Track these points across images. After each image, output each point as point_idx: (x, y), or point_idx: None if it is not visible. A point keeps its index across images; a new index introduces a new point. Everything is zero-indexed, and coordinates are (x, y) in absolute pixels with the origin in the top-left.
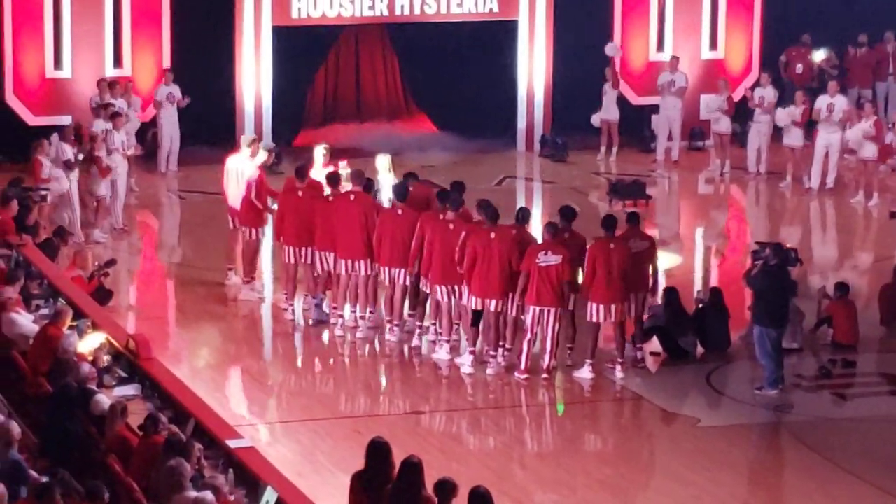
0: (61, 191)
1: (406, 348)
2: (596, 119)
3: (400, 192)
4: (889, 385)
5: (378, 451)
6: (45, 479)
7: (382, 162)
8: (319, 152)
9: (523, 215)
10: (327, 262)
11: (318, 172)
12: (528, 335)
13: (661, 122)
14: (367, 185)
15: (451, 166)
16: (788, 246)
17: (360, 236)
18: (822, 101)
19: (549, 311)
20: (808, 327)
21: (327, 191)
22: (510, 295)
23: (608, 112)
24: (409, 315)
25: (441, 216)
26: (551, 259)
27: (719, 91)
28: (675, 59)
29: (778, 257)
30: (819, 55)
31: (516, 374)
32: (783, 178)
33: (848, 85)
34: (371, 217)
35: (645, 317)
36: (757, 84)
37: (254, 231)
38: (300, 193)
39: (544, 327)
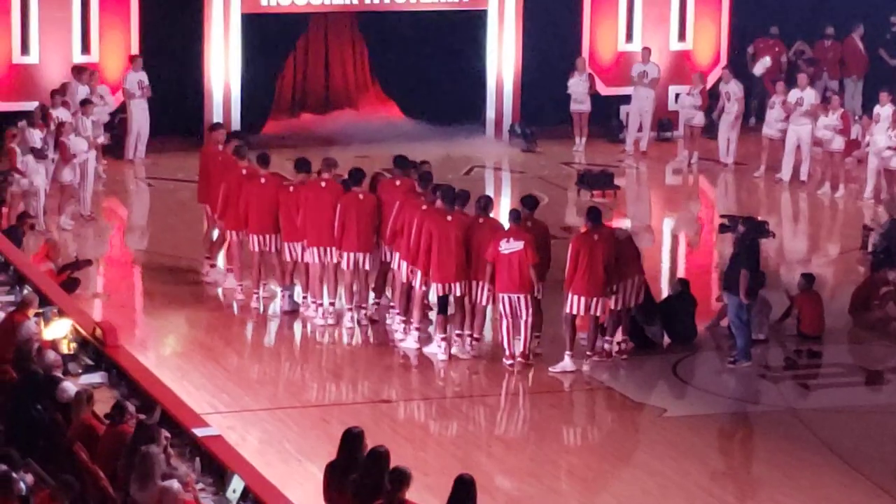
0: (32, 180)
1: (371, 334)
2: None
3: (357, 176)
4: (853, 376)
5: (350, 440)
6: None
7: None
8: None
9: (485, 203)
10: (295, 252)
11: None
12: (505, 321)
13: (632, 112)
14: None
15: (420, 155)
16: (760, 219)
17: (330, 223)
18: (792, 95)
19: (517, 297)
20: (773, 318)
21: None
22: (471, 282)
23: (581, 103)
24: (374, 303)
25: (426, 205)
26: (514, 246)
27: (693, 84)
28: (646, 49)
29: (752, 230)
30: (759, 67)
31: (504, 360)
32: (756, 168)
33: (816, 77)
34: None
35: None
36: (720, 80)
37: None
38: (263, 181)
39: (517, 314)
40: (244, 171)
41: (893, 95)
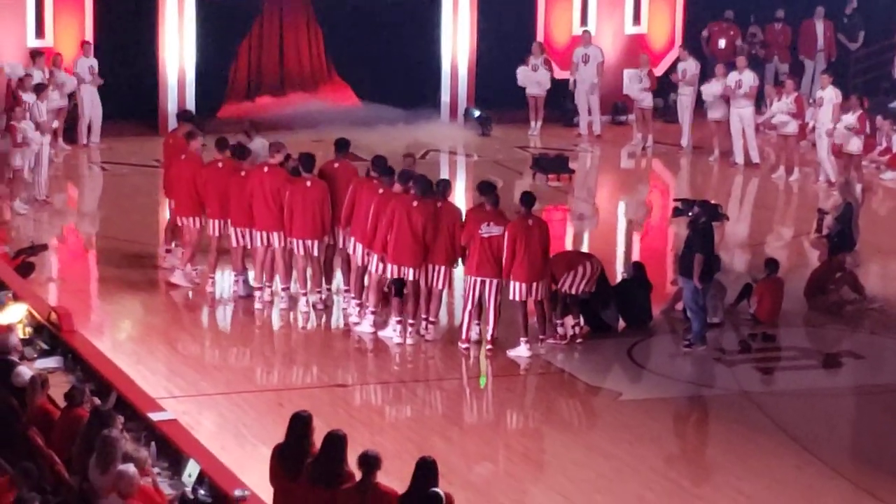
0: None
1: (325, 319)
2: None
3: (308, 162)
4: (808, 359)
5: (298, 423)
6: None
7: None
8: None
9: (444, 188)
10: (243, 238)
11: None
12: (469, 305)
13: (579, 96)
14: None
15: (374, 138)
16: (713, 202)
17: (273, 208)
18: (731, 77)
19: (490, 281)
20: (728, 302)
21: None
22: (428, 265)
23: (537, 87)
24: (327, 289)
25: (381, 187)
26: (494, 230)
27: (640, 66)
28: (587, 33)
29: (706, 213)
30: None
31: (459, 343)
32: (711, 152)
33: (767, 61)
34: (284, 189)
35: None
36: (678, 59)
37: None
38: (220, 166)
39: (486, 298)
40: (183, 157)
41: (834, 78)
